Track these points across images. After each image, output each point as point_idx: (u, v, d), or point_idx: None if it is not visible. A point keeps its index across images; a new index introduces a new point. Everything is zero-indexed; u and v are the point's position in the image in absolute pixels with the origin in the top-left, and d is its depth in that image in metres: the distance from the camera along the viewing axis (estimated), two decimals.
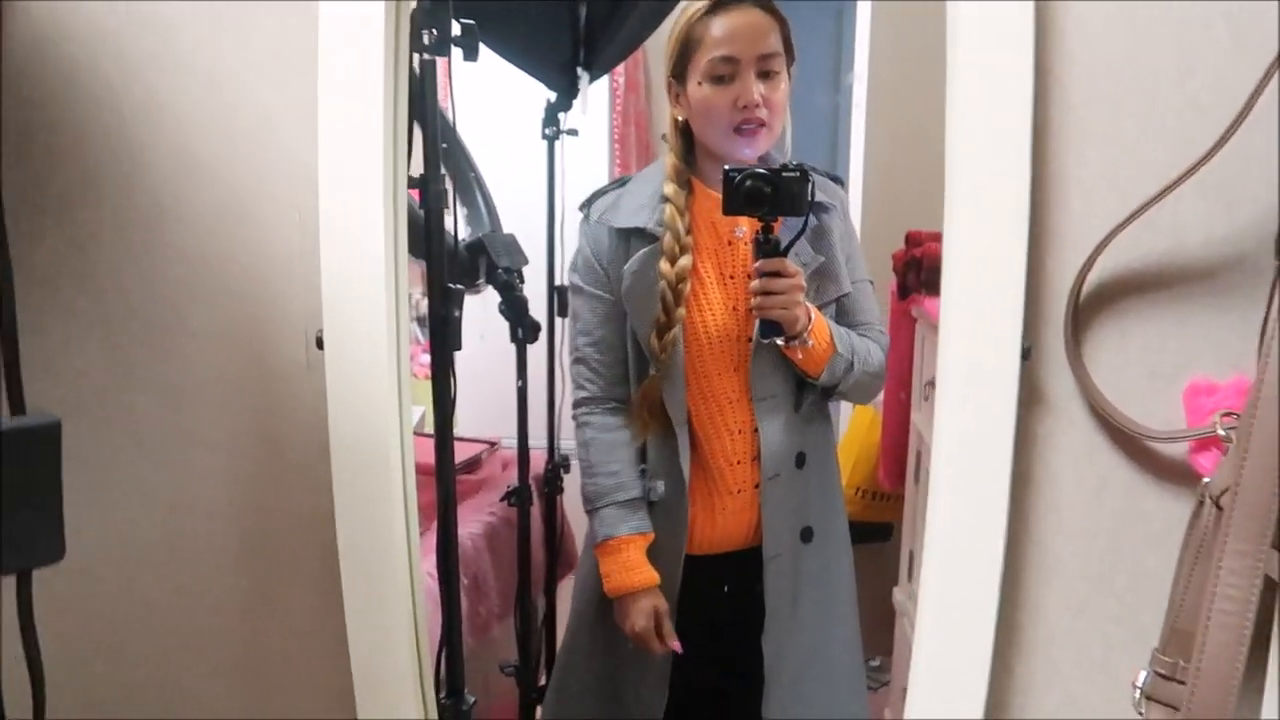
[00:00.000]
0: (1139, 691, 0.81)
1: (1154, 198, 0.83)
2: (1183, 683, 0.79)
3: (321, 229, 0.97)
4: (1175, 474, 0.88)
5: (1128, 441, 0.89)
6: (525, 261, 1.77)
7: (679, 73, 1.38)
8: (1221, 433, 0.80)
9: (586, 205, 1.48)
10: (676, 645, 1.40)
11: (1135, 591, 0.90)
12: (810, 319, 1.32)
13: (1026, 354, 0.86)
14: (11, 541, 0.56)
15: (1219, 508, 0.73)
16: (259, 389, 1.05)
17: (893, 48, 2.62)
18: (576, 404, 1.47)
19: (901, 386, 2.11)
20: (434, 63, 1.26)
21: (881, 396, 2.21)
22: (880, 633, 2.06)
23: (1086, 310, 0.88)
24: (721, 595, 1.47)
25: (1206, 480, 0.79)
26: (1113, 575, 0.91)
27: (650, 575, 1.39)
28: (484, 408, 2.59)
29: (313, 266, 0.98)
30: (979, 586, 0.88)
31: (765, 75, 1.33)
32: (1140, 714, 0.78)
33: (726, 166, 1.27)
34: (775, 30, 1.34)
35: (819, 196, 1.37)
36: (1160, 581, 0.84)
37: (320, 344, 0.97)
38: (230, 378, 1.05)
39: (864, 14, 2.63)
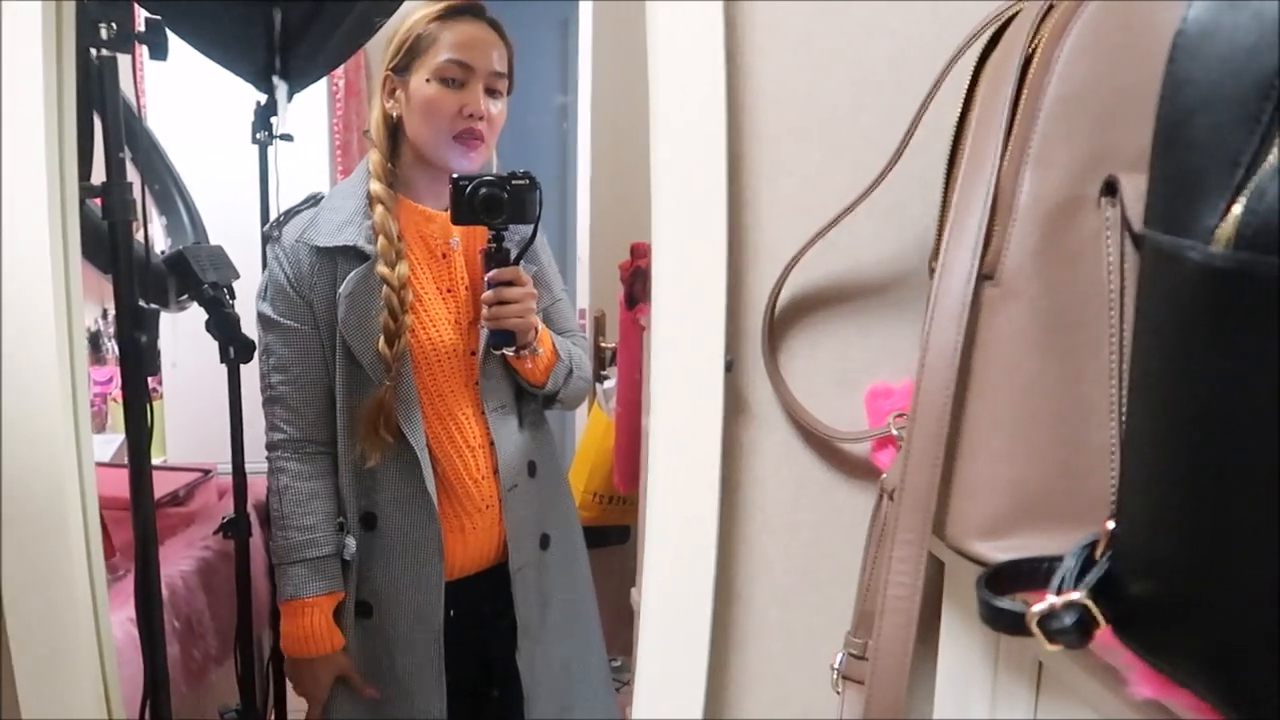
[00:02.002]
0: (836, 672, 0.88)
1: (832, 221, 0.91)
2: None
3: None
4: (862, 471, 0.97)
5: (820, 444, 0.97)
6: (236, 276, 1.66)
7: (403, 67, 1.35)
8: (895, 432, 0.89)
9: (277, 227, 1.38)
10: (372, 693, 1.38)
11: (834, 582, 0.98)
12: (538, 328, 1.34)
13: (729, 366, 0.91)
14: None
15: (892, 500, 0.81)
16: None
17: (612, 65, 2.71)
18: (271, 446, 1.38)
19: (632, 393, 2.18)
20: (114, 59, 1.14)
21: (614, 403, 2.28)
22: (621, 633, 2.12)
23: (781, 324, 0.96)
24: (481, 617, 1.45)
25: (884, 476, 0.88)
26: (814, 568, 0.98)
27: (334, 640, 1.35)
28: (195, 433, 2.39)
29: None
30: (694, 586, 0.92)
31: (490, 93, 1.34)
32: (838, 693, 0.85)
33: (454, 175, 1.26)
34: (505, 55, 1.37)
35: None
36: (854, 571, 0.92)
37: None
38: None
39: (585, 31, 2.70)
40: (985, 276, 0.70)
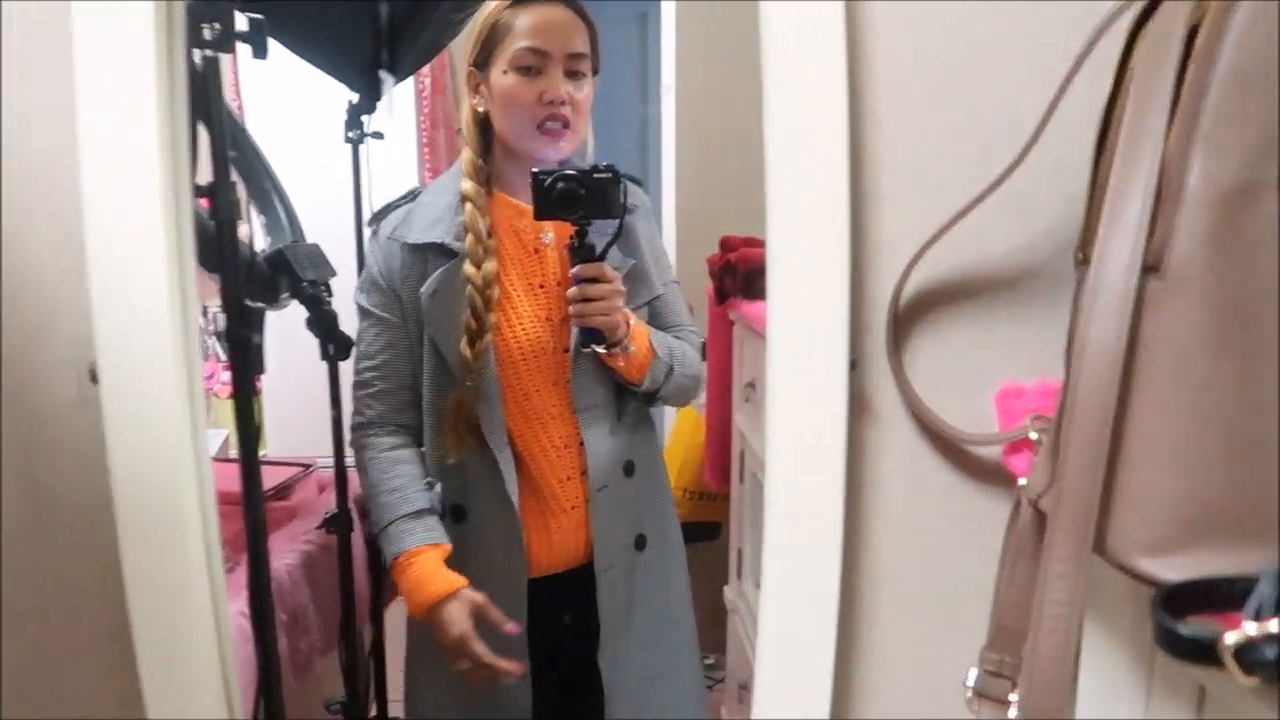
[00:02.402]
0: (970, 690, 0.83)
1: (961, 212, 0.86)
2: (1009, 679, 0.82)
3: (88, 246, 0.85)
4: (991, 475, 0.92)
5: (947, 446, 0.92)
6: (332, 273, 1.66)
7: (482, 61, 1.33)
8: (1033, 435, 0.84)
9: (375, 221, 1.40)
10: (513, 628, 1.34)
11: (960, 591, 0.93)
12: (629, 324, 1.31)
13: (853, 365, 0.87)
14: None
15: (1038, 510, 0.76)
16: (24, 431, 0.91)
17: (701, 54, 2.66)
18: (355, 428, 1.39)
19: (723, 389, 2.15)
20: (217, 60, 1.15)
21: (704, 399, 2.25)
22: (712, 630, 2.09)
23: (904, 321, 0.91)
24: (566, 615, 1.44)
25: (1023, 482, 0.82)
26: (938, 575, 0.94)
27: (451, 579, 1.31)
28: (296, 427, 2.43)
29: (79, 288, 0.86)
30: (818, 593, 0.88)
31: (572, 75, 1.30)
32: (974, 713, 0.81)
33: (535, 169, 1.23)
34: (584, 33, 1.32)
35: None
36: (980, 580, 0.87)
37: (95, 377, 0.85)
38: None
39: (669, 22, 2.66)
40: (1149, 268, 0.64)
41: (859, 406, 0.90)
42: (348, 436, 1.60)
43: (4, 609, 0.95)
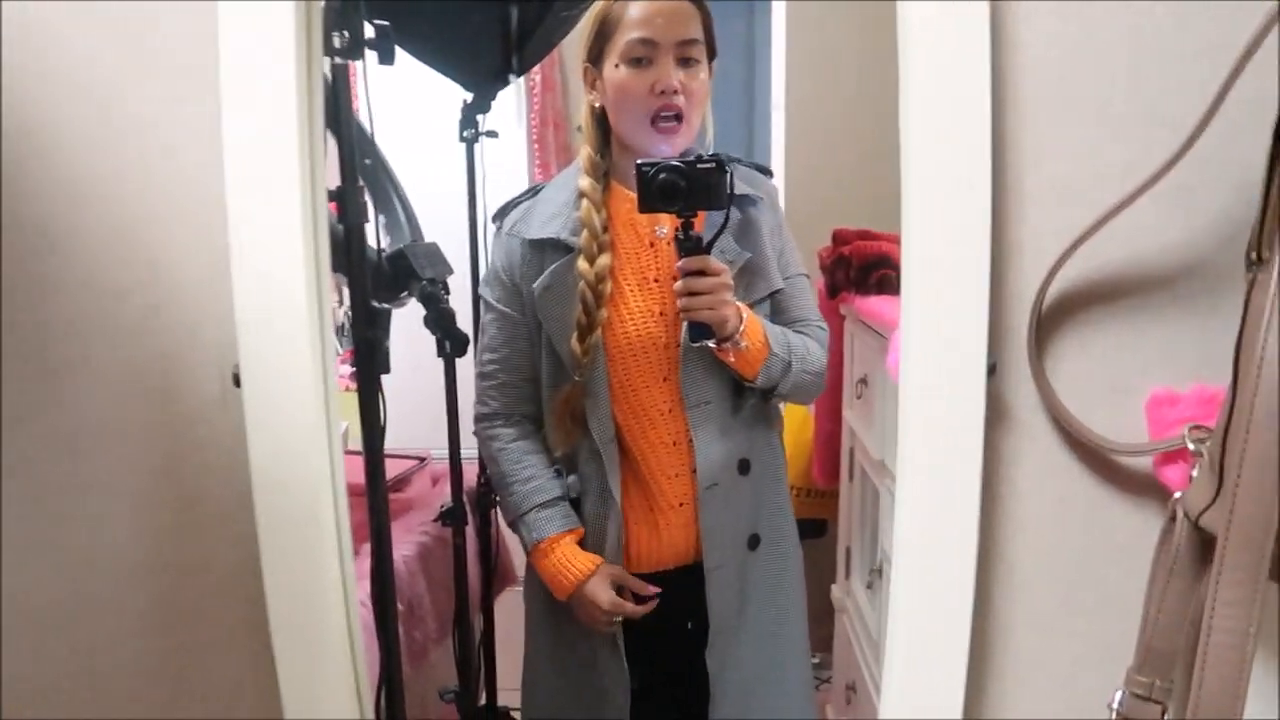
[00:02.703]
0: (1114, 713, 0.79)
1: (1115, 208, 0.81)
2: (1159, 703, 0.77)
3: (232, 252, 0.89)
4: (1140, 487, 0.87)
5: (1091, 455, 0.88)
6: (450, 271, 1.70)
7: (595, 56, 1.33)
8: (1191, 446, 0.79)
9: (499, 217, 1.42)
10: (652, 590, 1.37)
11: (1103, 608, 0.88)
12: (742, 319, 1.28)
13: (992, 369, 0.83)
14: None
15: (1198, 528, 0.71)
16: (169, 432, 0.95)
17: (810, 46, 2.61)
18: (479, 419, 1.42)
19: (833, 384, 2.11)
20: (346, 67, 1.18)
21: None
22: (818, 629, 2.06)
23: (1048, 323, 0.87)
24: (673, 613, 1.43)
25: (1178, 495, 0.78)
26: (1080, 592, 0.89)
27: (590, 559, 1.35)
28: (410, 421, 2.49)
29: (223, 294, 0.90)
30: (951, 608, 0.85)
31: (685, 63, 1.28)
32: None
33: (639, 161, 1.22)
34: (696, 18, 1.30)
35: (743, 189, 1.32)
36: (1128, 597, 0.83)
37: (238, 381, 0.88)
38: (137, 421, 0.95)
39: (779, 13, 2.61)
40: None
41: (997, 412, 0.86)
42: (464, 431, 1.63)
43: (149, 603, 0.99)
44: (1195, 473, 0.76)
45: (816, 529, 2.44)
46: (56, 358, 0.95)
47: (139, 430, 0.96)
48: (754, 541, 1.42)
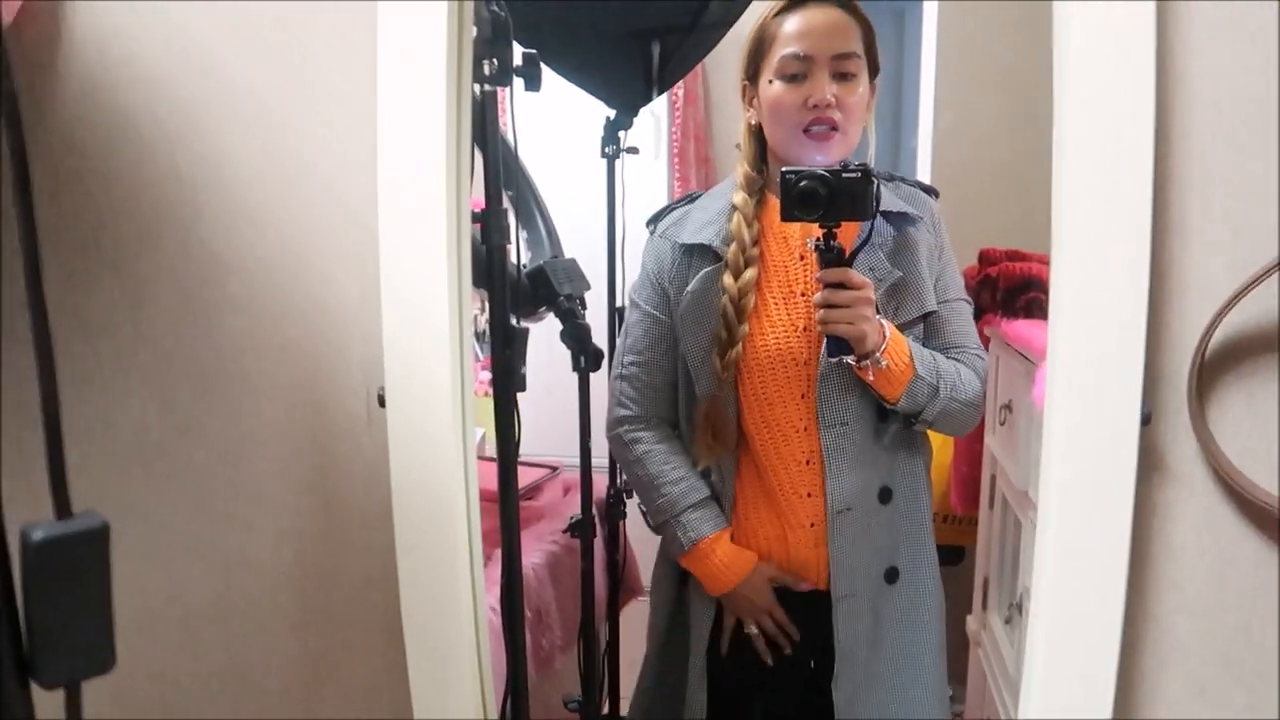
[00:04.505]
0: None
1: None
2: None
3: (382, 277, 0.93)
4: None
5: (1256, 512, 0.81)
6: (587, 287, 1.72)
7: (752, 73, 1.32)
8: None
9: (654, 220, 1.43)
10: (807, 585, 1.37)
11: (1268, 679, 0.82)
12: (885, 337, 1.24)
13: (1147, 418, 0.78)
14: (58, 652, 0.52)
15: None
16: (319, 445, 1.01)
17: (960, 60, 2.53)
18: (618, 422, 1.42)
19: None
20: (494, 93, 1.21)
21: None
22: (953, 661, 1.99)
23: (1210, 370, 0.81)
24: (799, 639, 1.41)
25: None
26: (1241, 659, 0.83)
27: (748, 557, 1.36)
28: (545, 430, 2.55)
29: (373, 317, 0.94)
30: (1094, 671, 0.81)
31: (841, 77, 1.26)
32: None
33: (784, 169, 1.20)
34: (855, 31, 1.27)
35: (902, 207, 1.29)
36: None
37: (382, 402, 0.93)
38: (290, 433, 1.02)
39: (930, 27, 2.53)
40: None
41: (1152, 464, 0.81)
42: (596, 443, 1.65)
43: (294, 606, 1.06)
44: None
45: (954, 556, 2.36)
46: (221, 374, 1.02)
47: (291, 443, 1.02)
48: (892, 575, 1.37)
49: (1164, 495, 0.82)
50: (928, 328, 1.32)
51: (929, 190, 1.39)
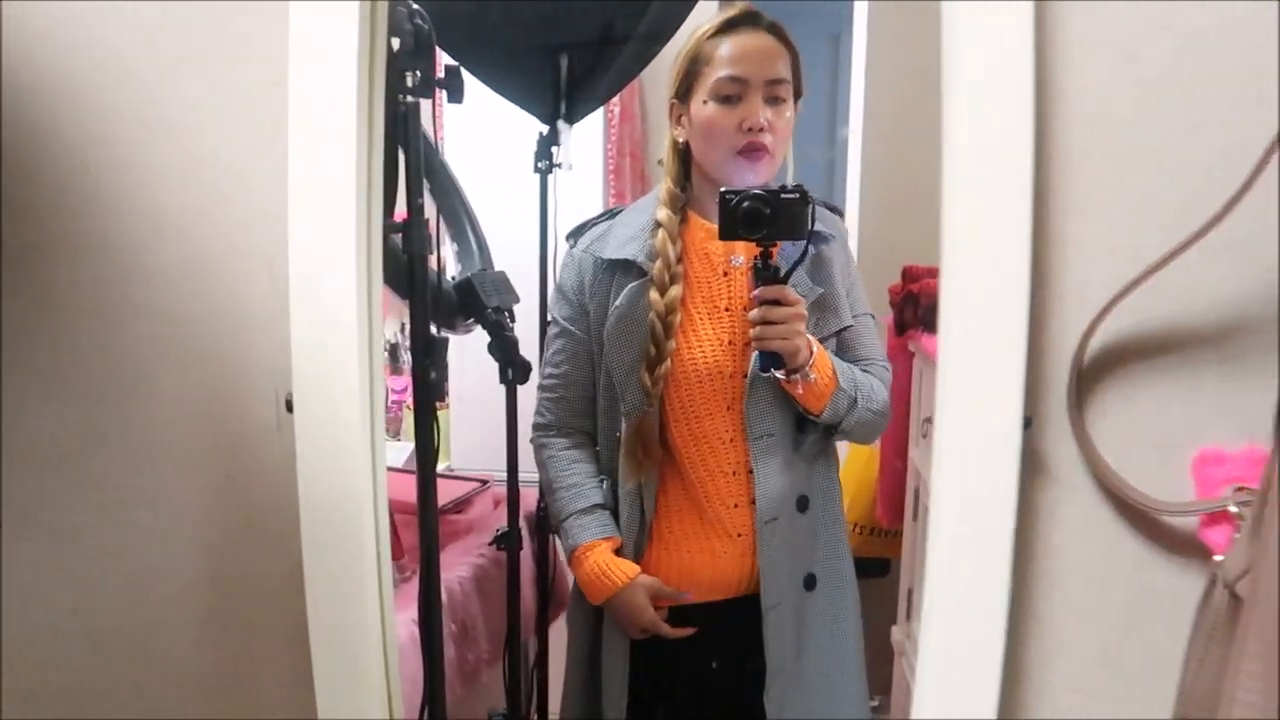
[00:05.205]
0: None
1: (1163, 259, 0.79)
2: None
3: (292, 283, 0.93)
4: (1186, 548, 0.84)
5: (1134, 513, 0.85)
6: (516, 300, 1.74)
7: (683, 93, 1.35)
8: (1233, 508, 0.76)
9: (574, 235, 1.45)
10: (689, 597, 1.38)
11: (1146, 674, 0.85)
12: (812, 352, 1.28)
13: (1028, 423, 0.82)
14: None
15: (1235, 595, 0.69)
16: (228, 452, 1.01)
17: (888, 75, 2.60)
18: (536, 428, 1.46)
19: (899, 422, 2.07)
20: (417, 105, 1.22)
21: None
22: (879, 670, 2.02)
23: (1089, 376, 0.85)
24: (728, 650, 1.42)
25: (1219, 559, 0.75)
26: (1121, 655, 0.86)
27: (628, 567, 1.37)
28: (475, 443, 2.55)
29: (284, 324, 0.94)
30: (979, 667, 0.83)
31: (772, 101, 1.30)
32: None
33: (723, 189, 1.23)
34: (785, 57, 1.32)
35: (818, 226, 1.33)
36: (1167, 661, 0.80)
37: (290, 407, 0.93)
38: (199, 440, 1.01)
39: (859, 49, 2.60)
40: None
41: (1034, 467, 0.85)
42: (523, 456, 1.66)
43: (202, 615, 1.05)
44: (1237, 536, 0.73)
45: (880, 568, 2.40)
46: (132, 379, 1.01)
47: (200, 451, 1.01)
48: (810, 581, 1.40)
49: (1046, 497, 0.86)
50: (840, 342, 1.37)
51: (835, 210, 1.43)
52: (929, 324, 1.92)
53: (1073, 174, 0.84)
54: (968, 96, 0.81)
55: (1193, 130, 0.82)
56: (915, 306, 1.96)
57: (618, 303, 1.34)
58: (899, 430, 2.08)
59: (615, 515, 1.40)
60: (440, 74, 1.26)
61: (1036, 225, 0.81)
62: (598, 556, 1.37)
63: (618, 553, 1.39)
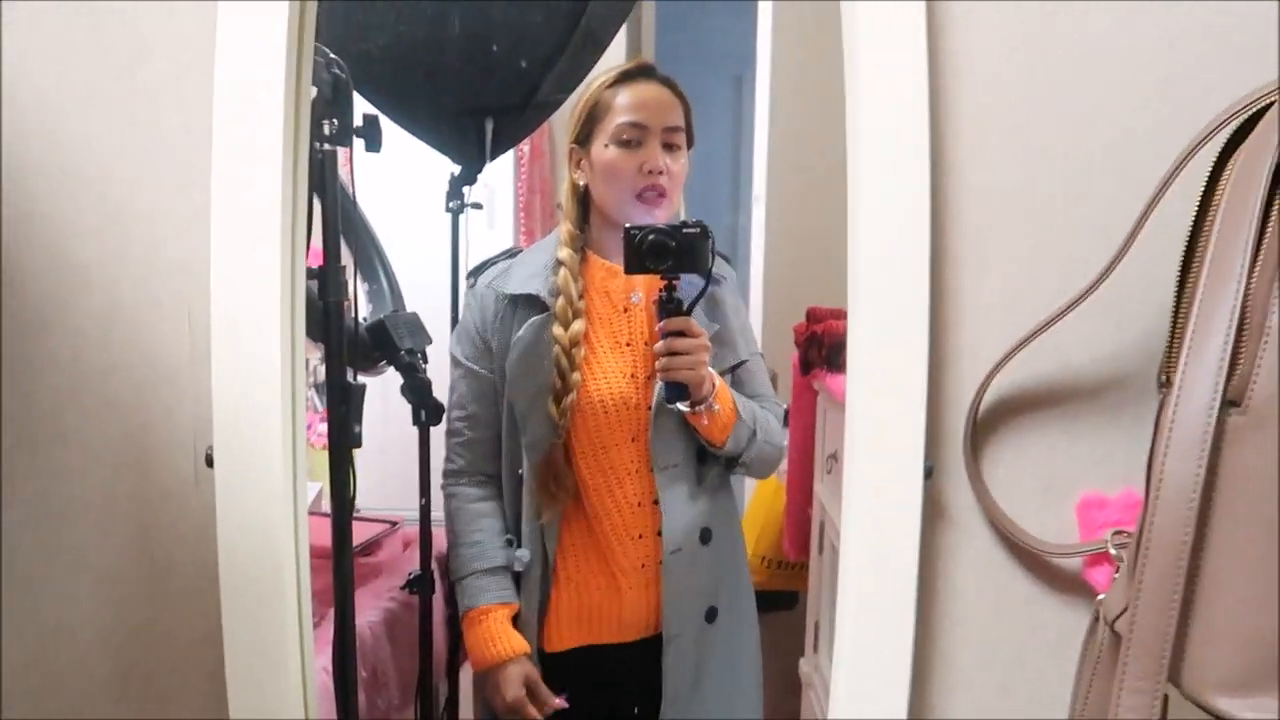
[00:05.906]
0: None
1: (1048, 320, 0.86)
2: None
3: (213, 335, 0.93)
4: (1072, 587, 0.91)
5: (1025, 555, 0.92)
6: (429, 341, 1.73)
7: (583, 138, 1.40)
8: (1113, 550, 0.83)
9: (475, 273, 1.46)
10: (560, 702, 1.37)
11: (1038, 703, 0.92)
12: (715, 384, 1.33)
13: (929, 472, 0.87)
14: None
15: (1115, 631, 0.75)
16: (145, 506, 0.99)
17: (790, 124, 2.69)
18: (445, 474, 1.46)
19: (804, 457, 2.14)
20: (334, 152, 1.23)
21: (785, 466, 2.23)
22: (786, 702, 2.06)
23: (983, 427, 0.91)
24: (630, 678, 1.44)
25: (1101, 597, 0.81)
26: (1016, 687, 0.92)
27: (516, 643, 1.37)
28: (385, 484, 2.50)
29: (203, 376, 0.93)
30: (887, 701, 0.88)
31: (669, 148, 1.36)
32: None
33: (627, 225, 1.28)
34: (679, 108, 1.39)
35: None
36: (1059, 694, 0.86)
37: (210, 462, 0.92)
38: (113, 494, 0.99)
39: (763, 89, 2.70)
40: (1230, 403, 0.64)
41: (935, 512, 0.90)
42: (435, 499, 1.65)
43: (114, 672, 1.01)
44: (1116, 576, 0.80)
45: (788, 601, 2.45)
46: (44, 431, 0.98)
47: (115, 504, 0.99)
48: (711, 614, 1.44)
49: (946, 540, 0.92)
50: (734, 379, 1.42)
51: (724, 257, 1.49)
52: (833, 363, 1.99)
53: (969, 240, 0.91)
54: (868, 168, 0.87)
55: (1075, 200, 0.90)
56: (819, 346, 2.03)
57: (520, 333, 1.36)
58: (804, 465, 2.14)
59: (516, 579, 1.40)
60: (359, 122, 1.27)
61: (934, 287, 0.88)
62: (492, 623, 1.37)
63: (515, 619, 1.38)
